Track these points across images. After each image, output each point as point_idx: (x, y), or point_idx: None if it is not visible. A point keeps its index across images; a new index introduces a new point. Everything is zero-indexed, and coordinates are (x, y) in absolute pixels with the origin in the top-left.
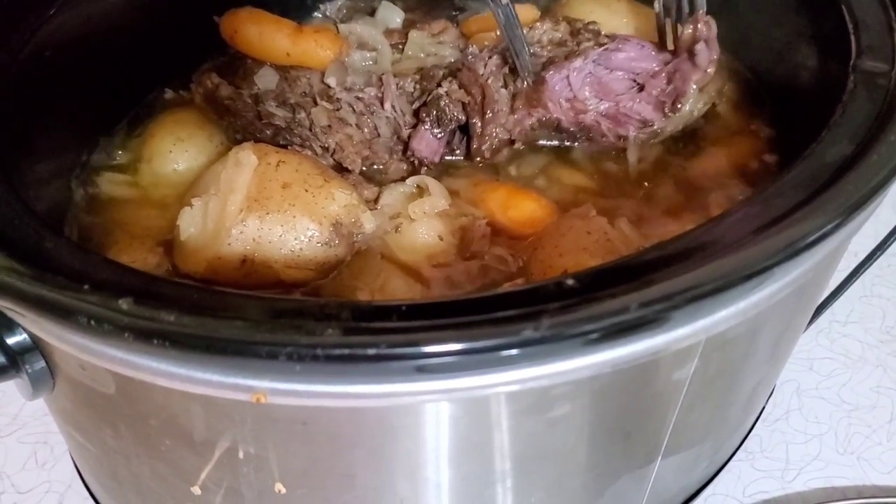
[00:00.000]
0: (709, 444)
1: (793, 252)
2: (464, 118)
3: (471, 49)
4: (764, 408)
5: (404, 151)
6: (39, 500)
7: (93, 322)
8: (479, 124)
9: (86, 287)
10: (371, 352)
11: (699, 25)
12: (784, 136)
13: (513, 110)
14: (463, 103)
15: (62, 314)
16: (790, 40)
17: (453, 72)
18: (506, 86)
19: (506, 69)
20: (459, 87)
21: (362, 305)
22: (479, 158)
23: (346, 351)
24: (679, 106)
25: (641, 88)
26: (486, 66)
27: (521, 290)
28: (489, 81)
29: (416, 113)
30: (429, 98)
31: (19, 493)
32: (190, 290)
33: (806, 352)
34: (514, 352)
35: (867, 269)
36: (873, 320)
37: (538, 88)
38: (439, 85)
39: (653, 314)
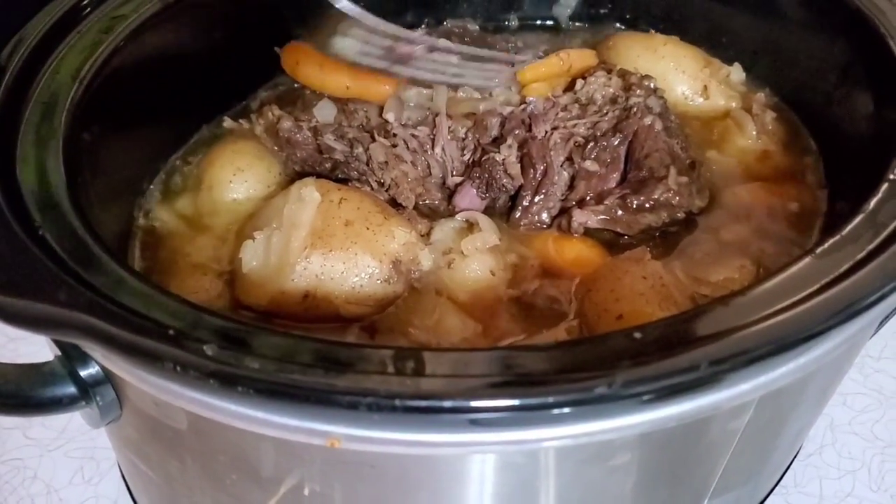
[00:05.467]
0: (751, 485)
1: (862, 309)
2: (513, 189)
3: (532, 103)
4: (801, 447)
5: (450, 197)
6: None
7: (178, 368)
8: (528, 201)
9: (171, 332)
10: (447, 404)
11: None
12: (834, 181)
13: (566, 201)
14: (511, 176)
15: (149, 359)
16: (841, 84)
17: (511, 130)
18: (571, 162)
19: (571, 143)
20: (520, 157)
21: (441, 354)
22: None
23: (424, 403)
24: None
25: None
26: (549, 135)
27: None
28: (552, 154)
29: (466, 166)
30: (483, 158)
31: None
32: (270, 335)
33: (840, 386)
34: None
35: None
36: None
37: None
38: (496, 141)
39: (722, 371)
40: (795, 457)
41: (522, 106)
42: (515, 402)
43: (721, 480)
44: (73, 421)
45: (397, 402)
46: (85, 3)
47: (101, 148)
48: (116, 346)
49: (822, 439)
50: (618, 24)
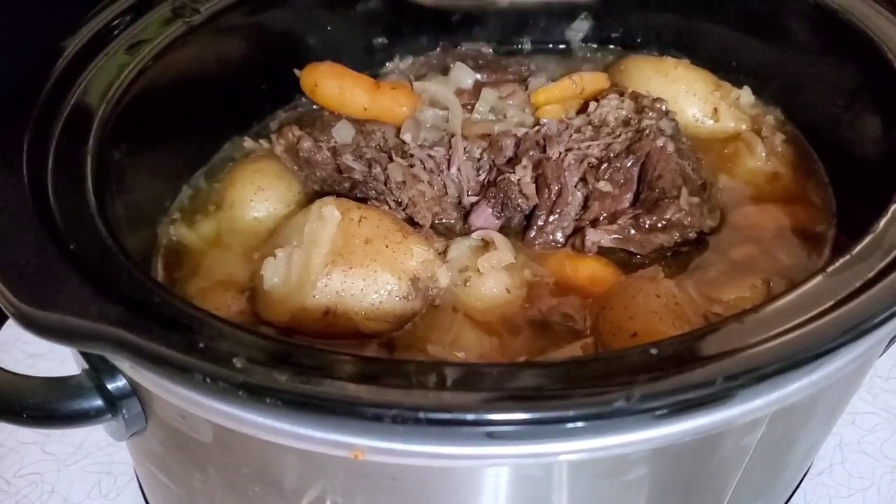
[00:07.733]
0: (762, 502)
1: (871, 328)
2: (528, 209)
3: (546, 125)
4: (811, 465)
5: (466, 216)
6: None
7: (208, 379)
8: (543, 221)
9: (201, 345)
10: (470, 417)
11: None
12: (842, 202)
13: (580, 220)
14: (527, 196)
15: (179, 371)
16: (850, 107)
17: (526, 151)
18: (585, 182)
19: (585, 164)
20: (535, 178)
21: (462, 368)
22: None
23: (448, 416)
24: None
25: None
26: (563, 156)
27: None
28: (566, 175)
29: (482, 185)
30: (498, 178)
31: None
32: (297, 349)
33: (848, 406)
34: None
35: None
36: None
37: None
38: (511, 161)
39: (737, 387)
40: (805, 475)
41: (537, 127)
42: (536, 415)
43: (733, 497)
44: (90, 436)
45: (421, 415)
46: (114, 25)
47: (127, 167)
48: (146, 357)
49: (832, 458)
50: (629, 48)
